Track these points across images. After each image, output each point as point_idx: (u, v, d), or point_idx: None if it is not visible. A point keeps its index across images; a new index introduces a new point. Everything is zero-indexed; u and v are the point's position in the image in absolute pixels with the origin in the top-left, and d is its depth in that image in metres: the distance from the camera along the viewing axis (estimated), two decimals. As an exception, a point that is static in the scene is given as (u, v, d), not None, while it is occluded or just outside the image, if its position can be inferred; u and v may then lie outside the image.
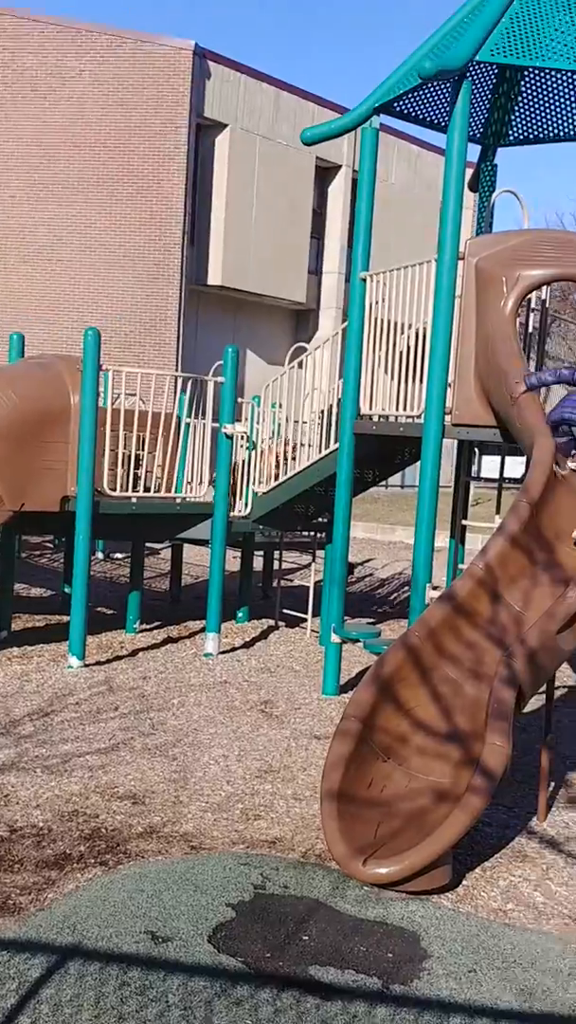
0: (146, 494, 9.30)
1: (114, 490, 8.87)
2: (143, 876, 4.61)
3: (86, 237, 22.89)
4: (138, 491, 9.20)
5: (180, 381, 10.24)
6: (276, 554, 12.23)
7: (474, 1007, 3.72)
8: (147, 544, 12.24)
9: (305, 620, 10.56)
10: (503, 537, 5.58)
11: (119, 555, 14.76)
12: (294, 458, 9.85)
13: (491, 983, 3.90)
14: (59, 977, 3.70)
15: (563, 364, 7.56)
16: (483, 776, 4.57)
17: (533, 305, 7.94)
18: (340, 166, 27.55)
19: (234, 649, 9.59)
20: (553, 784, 6.20)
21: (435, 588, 6.96)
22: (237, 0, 76.35)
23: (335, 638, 8.12)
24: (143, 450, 9.31)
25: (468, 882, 4.84)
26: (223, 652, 9.38)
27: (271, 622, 10.86)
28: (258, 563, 12.77)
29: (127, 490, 9.03)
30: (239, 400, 9.85)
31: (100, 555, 14.69)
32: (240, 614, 10.86)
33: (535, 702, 6.85)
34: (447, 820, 4.52)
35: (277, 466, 9.92)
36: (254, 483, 9.95)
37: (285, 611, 10.85)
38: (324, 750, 6.28)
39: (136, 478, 9.23)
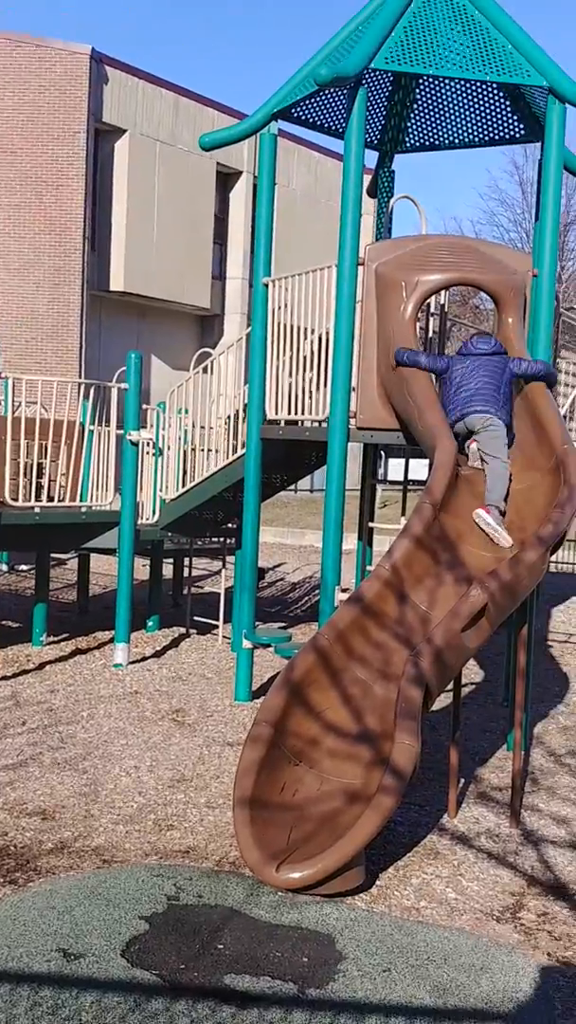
0: (50, 503, 9.15)
1: (16, 500, 8.71)
2: (54, 893, 4.53)
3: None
4: (41, 500, 9.05)
5: (83, 388, 10.10)
6: (186, 561, 12.17)
7: (389, 1006, 3.74)
8: (53, 554, 12.05)
9: (216, 626, 10.53)
10: (408, 538, 5.64)
11: (24, 567, 14.50)
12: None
13: (406, 981, 3.93)
14: (-33, 1001, 3.60)
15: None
16: (393, 775, 4.60)
17: (432, 309, 8.06)
18: (241, 172, 27.60)
19: (144, 659, 9.50)
20: (463, 780, 6.29)
21: (344, 590, 7.00)
22: (135, 4, 75.90)
23: (246, 644, 8.11)
24: (46, 459, 9.17)
25: (381, 882, 4.88)
26: (133, 662, 9.29)
27: (182, 630, 10.79)
28: (168, 570, 12.69)
29: (30, 500, 8.88)
30: (144, 406, 9.77)
31: (4, 567, 14.41)
32: (150, 623, 10.77)
33: (443, 700, 6.95)
34: (359, 821, 4.54)
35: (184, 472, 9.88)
36: (161, 490, 9.88)
37: (196, 618, 10.79)
38: (237, 757, 6.25)
39: (39, 487, 9.08)
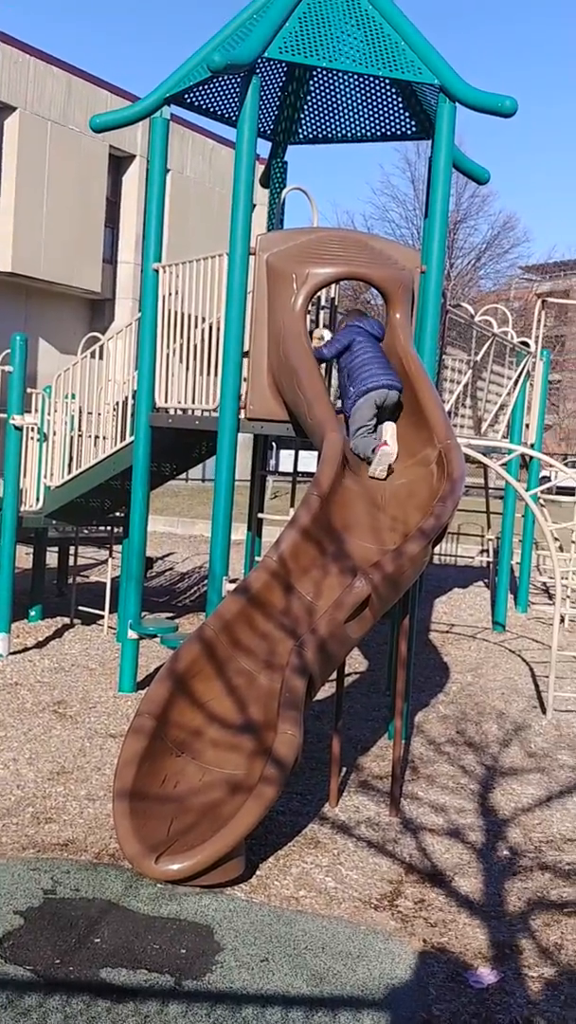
0: None
1: None
2: None
3: None
4: None
5: (-34, 371, 9.81)
6: (71, 550, 11.97)
7: (266, 996, 3.75)
8: None
9: (102, 617, 10.39)
10: (295, 530, 5.66)
11: None
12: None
13: (283, 971, 3.95)
14: None
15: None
16: (275, 765, 4.62)
17: (323, 303, 8.09)
18: (135, 155, 27.28)
19: (26, 649, 9.31)
20: (345, 769, 6.36)
21: (232, 581, 6.99)
22: (28, -21, 74.04)
23: (132, 634, 8.02)
24: None
25: (261, 872, 4.89)
26: (14, 652, 9.09)
27: (66, 620, 10.61)
28: (52, 559, 12.46)
29: None
30: (30, 390, 9.55)
31: None
32: (33, 613, 10.56)
33: (328, 689, 7.01)
34: (240, 811, 4.54)
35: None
36: (46, 476, 9.69)
37: (81, 608, 10.63)
38: (120, 748, 6.18)
39: None
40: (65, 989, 3.71)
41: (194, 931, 4.21)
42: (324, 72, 8.46)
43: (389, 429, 6.38)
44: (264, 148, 9.13)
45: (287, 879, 4.84)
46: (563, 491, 27.48)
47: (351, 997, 3.80)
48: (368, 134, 8.80)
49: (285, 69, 8.51)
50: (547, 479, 20.37)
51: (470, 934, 4.41)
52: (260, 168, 8.75)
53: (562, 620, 11.83)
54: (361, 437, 6.48)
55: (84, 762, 6.31)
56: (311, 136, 9.09)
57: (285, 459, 25.46)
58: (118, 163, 27.40)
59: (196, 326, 7.60)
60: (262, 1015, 3.62)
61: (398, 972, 4.01)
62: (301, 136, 9.11)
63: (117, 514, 10.46)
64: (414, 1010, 3.76)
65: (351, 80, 8.40)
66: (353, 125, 8.79)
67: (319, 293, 7.44)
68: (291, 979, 3.89)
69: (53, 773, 6.08)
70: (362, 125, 8.76)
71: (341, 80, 8.45)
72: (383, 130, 8.71)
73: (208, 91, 8.24)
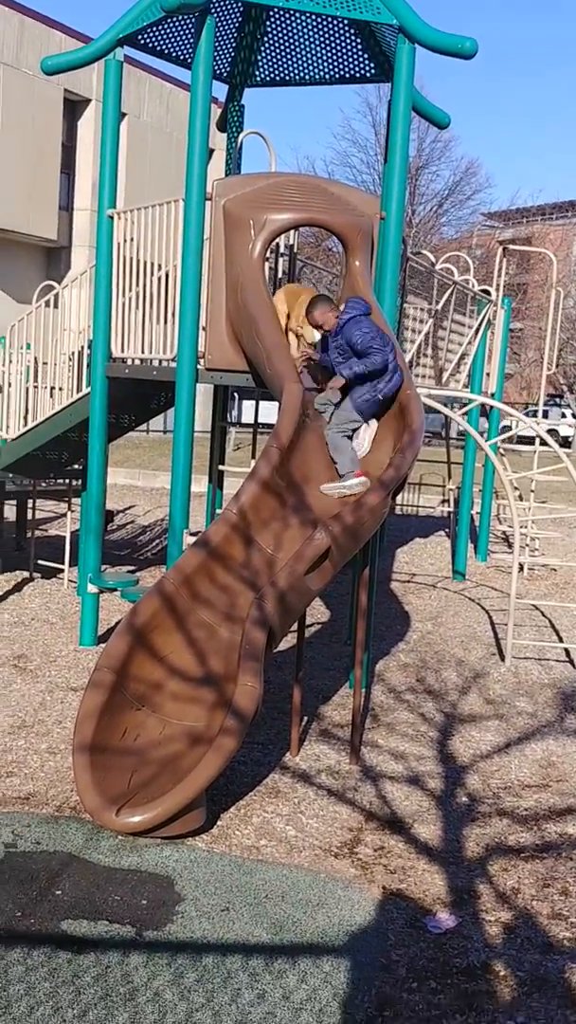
0: None
1: None
2: None
3: None
4: None
5: None
6: (30, 503, 11.84)
7: (226, 945, 3.78)
8: None
9: (62, 571, 10.32)
10: (255, 482, 5.62)
11: None
12: None
13: (244, 920, 3.98)
14: None
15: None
16: (235, 717, 4.61)
17: (282, 250, 7.98)
18: (90, 100, 26.64)
19: (-14, 602, 9.23)
20: (306, 719, 6.39)
21: (193, 534, 6.94)
22: None
23: (92, 588, 7.97)
24: None
25: (222, 822, 4.91)
26: (-26, 606, 9.01)
27: (26, 574, 10.53)
28: (10, 513, 12.33)
29: None
30: (-16, 342, 9.37)
31: None
32: (-8, 566, 10.46)
33: (289, 640, 7.02)
34: (200, 763, 4.54)
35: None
36: (2, 429, 9.54)
37: (40, 562, 10.54)
38: (80, 702, 6.16)
39: None
40: (26, 941, 3.71)
41: (155, 882, 4.23)
42: (281, 12, 8.25)
43: (369, 436, 6.09)
44: (220, 91, 8.93)
45: (248, 829, 4.86)
46: (523, 440, 27.63)
47: (311, 944, 3.84)
48: (327, 76, 8.63)
49: (241, 9, 8.30)
50: (508, 428, 20.44)
51: (429, 880, 4.47)
52: (217, 112, 8.57)
53: (521, 568, 11.94)
54: (342, 436, 6.04)
55: (45, 716, 6.29)
56: (268, 78, 8.90)
57: (247, 410, 25.29)
58: (73, 107, 26.77)
59: (152, 274, 7.47)
60: (222, 963, 3.65)
61: (357, 919, 4.06)
62: (258, 78, 8.92)
63: (76, 467, 10.35)
64: (373, 956, 3.81)
65: (309, 20, 8.21)
66: (311, 67, 8.62)
67: (278, 240, 7.33)
68: (251, 928, 3.92)
69: (13, 727, 6.05)
70: (320, 67, 8.58)
71: (298, 20, 8.26)
72: (342, 72, 8.55)
73: (162, 32, 8.02)
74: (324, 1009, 3.44)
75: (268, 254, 7.00)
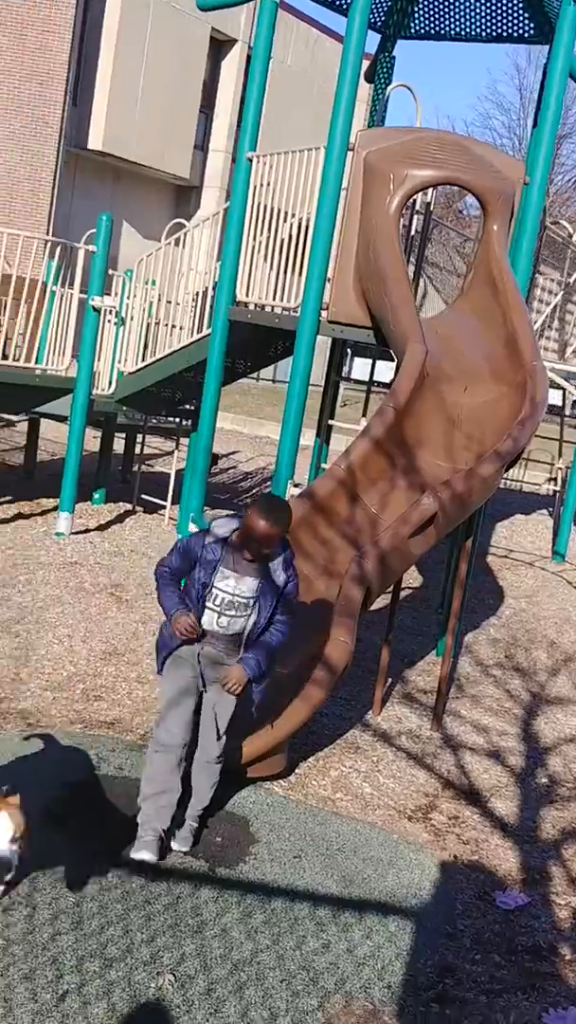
0: (4, 362, 8.90)
1: (-29, 355, 8.46)
2: (-25, 751, 4.53)
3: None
4: (-3, 359, 8.79)
5: (49, 246, 9.74)
6: (139, 438, 12.00)
7: (296, 891, 3.83)
8: (2, 415, 11.82)
9: (164, 507, 10.45)
10: (367, 440, 5.58)
11: (-26, 425, 14.22)
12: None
13: (314, 869, 4.02)
14: None
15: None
16: (325, 669, 4.63)
17: (417, 207, 7.84)
18: (236, 40, 26.44)
19: (87, 531, 9.42)
20: (390, 680, 6.38)
21: (296, 485, 6.96)
22: None
23: (192, 527, 8.06)
24: (4, 315, 8.88)
25: (301, 771, 4.96)
26: (76, 533, 9.20)
27: (128, 506, 10.69)
28: (119, 445, 12.52)
29: (-15, 357, 8.63)
30: (110, 272, 9.46)
31: (-46, 423, 14.12)
32: (96, 496, 10.65)
33: (381, 601, 7.00)
34: (288, 710, 4.57)
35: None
36: (120, 361, 9.66)
37: (144, 496, 10.70)
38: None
39: (-5, 345, 8.82)
40: (102, 863, 3.82)
41: (231, 821, 4.29)
42: (444, -39, 8.04)
43: None
44: (372, 43, 8.77)
45: (325, 780, 4.90)
46: None
47: (378, 902, 3.86)
48: (483, 33, 8.40)
49: (404, -45, 8.11)
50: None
51: (501, 855, 4.44)
52: (366, 63, 8.41)
53: (624, 557, 11.65)
54: None
55: (136, 645, 6.42)
56: (423, 31, 8.71)
57: (359, 368, 25.10)
58: (218, 47, 26.61)
59: (284, 221, 7.42)
60: (290, 909, 3.70)
61: (427, 884, 4.07)
62: (413, 30, 8.73)
63: (187, 406, 10.43)
64: (439, 922, 3.81)
65: (472, -28, 7.98)
66: (468, 22, 8.39)
67: (415, 197, 7.19)
68: (321, 878, 3.96)
69: (105, 653, 6.19)
70: (478, 23, 8.35)
71: (461, -29, 8.04)
72: (499, 30, 8.30)
73: (321, -27, 7.89)
74: (387, 968, 3.46)
75: (404, 210, 6.89)
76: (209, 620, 3.97)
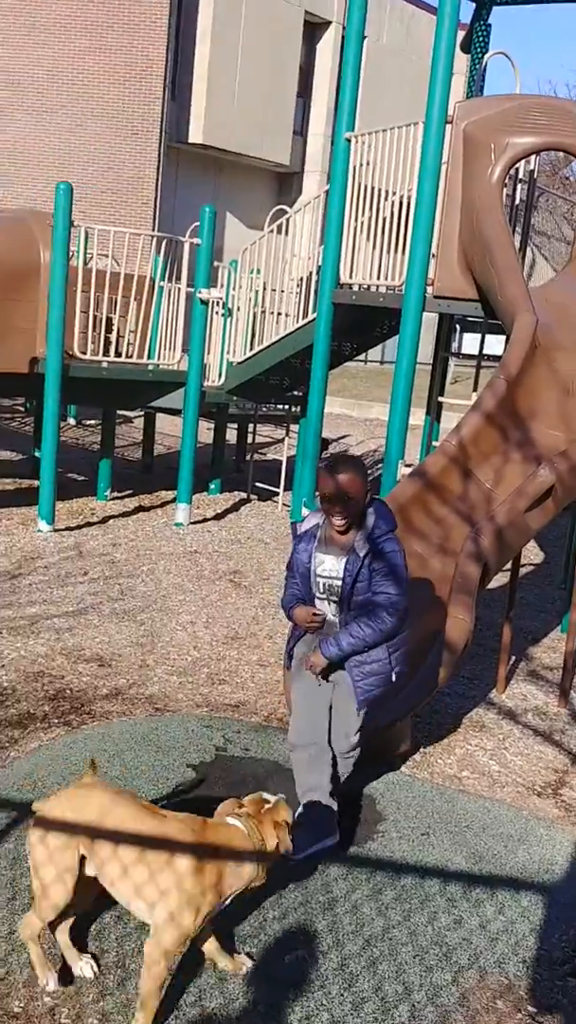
0: (118, 359, 9.11)
1: (84, 353, 8.68)
2: (106, 736, 4.67)
3: (65, 87, 21.85)
4: (109, 356, 9.01)
5: (155, 242, 9.91)
6: (250, 427, 12.13)
7: (425, 868, 3.83)
8: (119, 411, 12.09)
9: (277, 494, 10.55)
10: (478, 414, 5.51)
11: (91, 421, 14.59)
12: None
13: (443, 846, 4.01)
14: (18, 832, 3.77)
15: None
16: (446, 649, 4.60)
17: (521, 176, 7.68)
18: (330, 22, 26.29)
19: (205, 520, 9.58)
20: (513, 658, 6.31)
21: (408, 465, 6.92)
22: None
23: (306, 512, 8.11)
24: (115, 313, 9.08)
25: (426, 749, 4.95)
26: (194, 523, 9.37)
27: (243, 495, 10.83)
28: (232, 435, 12.67)
29: (98, 354, 8.84)
30: (216, 264, 9.57)
31: (71, 421, 14.52)
32: (212, 486, 10.82)
33: (500, 578, 6.91)
34: (410, 690, 4.57)
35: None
36: (229, 352, 9.77)
37: (257, 484, 10.82)
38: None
39: (108, 342, 9.03)
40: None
41: (357, 799, 4.32)
42: None
43: None
44: (467, 12, 8.62)
45: (451, 759, 4.88)
46: None
47: (510, 878, 3.83)
48: (582, -10, 8.15)
49: None
50: None
51: None
52: (461, 35, 8.27)
53: None
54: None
55: (256, 629, 6.50)
56: (519, -7, 8.51)
57: (469, 343, 24.74)
58: (312, 30, 26.51)
59: (386, 199, 7.37)
60: (421, 886, 3.71)
61: (559, 859, 4.01)
62: (509, -6, 8.54)
63: (295, 393, 10.49)
64: (573, 896, 3.76)
65: None
66: (566, -20, 8.15)
67: (517, 165, 7.06)
68: (450, 855, 3.95)
69: (227, 638, 6.29)
70: (577, -20, 8.11)
71: None
72: (599, -15, 8.04)
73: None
74: (521, 943, 3.44)
75: (507, 180, 6.76)
76: (322, 609, 3.95)
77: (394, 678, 3.89)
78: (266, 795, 3.16)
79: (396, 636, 3.86)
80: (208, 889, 2.85)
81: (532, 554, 9.30)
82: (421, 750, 4.92)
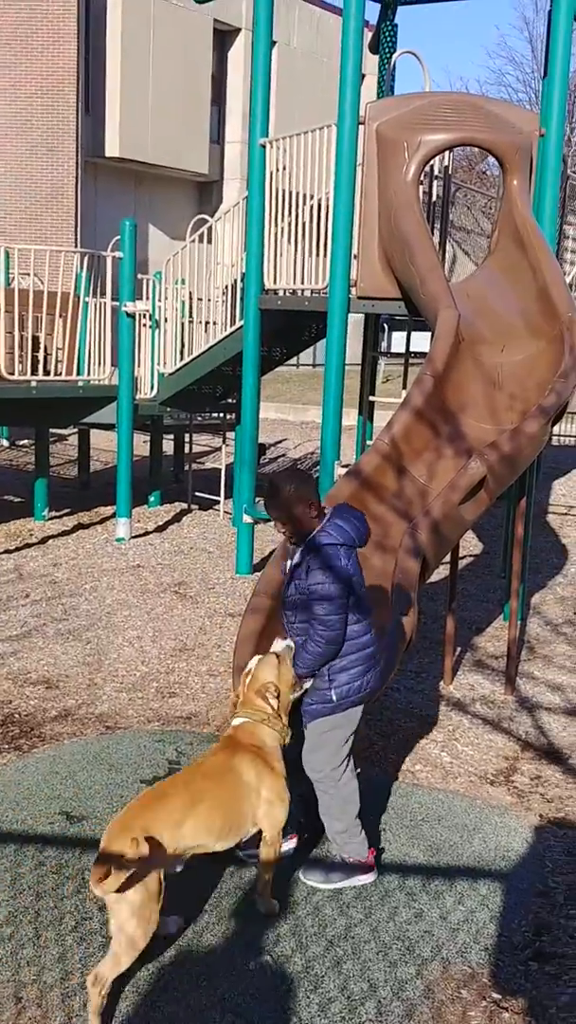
0: (47, 377, 9.04)
1: (12, 374, 8.60)
2: (57, 758, 4.64)
3: (-26, 107, 21.61)
4: (38, 374, 8.93)
5: (77, 258, 9.85)
6: (186, 437, 12.10)
7: (384, 864, 3.86)
8: (52, 430, 11.99)
9: (218, 502, 10.54)
10: (408, 411, 5.56)
11: (24, 441, 14.45)
12: None
13: (400, 841, 4.05)
14: (-25, 860, 3.72)
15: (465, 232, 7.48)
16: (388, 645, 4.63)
17: (436, 172, 7.77)
18: (239, 29, 26.37)
19: (147, 533, 9.54)
20: (459, 649, 6.37)
21: (344, 466, 6.96)
22: None
23: (247, 519, 8.12)
24: (42, 331, 9.01)
25: (377, 746, 4.98)
26: (135, 536, 9.33)
27: (183, 505, 10.81)
28: (168, 447, 12.63)
29: (27, 373, 8.76)
30: (140, 277, 9.54)
31: (4, 442, 14.37)
32: (151, 499, 10.78)
33: (441, 571, 6.98)
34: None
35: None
36: (159, 363, 9.74)
37: (197, 494, 10.80)
38: (238, 627, 6.32)
39: (36, 361, 8.95)
40: (191, 852, 3.87)
41: (311, 800, 4.32)
42: None
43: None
44: (373, 13, 8.70)
45: (403, 753, 4.92)
46: None
47: (468, 868, 3.87)
48: (484, -12, 8.27)
49: None
50: None
51: (587, 810, 4.43)
52: (368, 35, 8.35)
53: None
54: None
55: (204, 640, 6.49)
56: (423, -6, 8.61)
57: (397, 341, 24.92)
58: (223, 38, 26.56)
59: (304, 203, 7.41)
60: (380, 881, 3.73)
61: (514, 845, 4.07)
62: (412, -6, 8.64)
63: (229, 400, 10.49)
64: (530, 881, 3.82)
65: None
66: (467, -22, 8.27)
67: (432, 162, 7.14)
68: (408, 848, 3.99)
69: (175, 650, 6.27)
70: (477, -22, 8.23)
71: None
72: (500, -18, 8.17)
73: (313, -50, 7.84)
74: (481, 931, 3.48)
75: (422, 177, 6.83)
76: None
77: (333, 697, 3.63)
78: (250, 663, 3.64)
79: (338, 645, 3.62)
80: (270, 770, 3.45)
81: (471, 545, 9.41)
82: (373, 746, 4.95)
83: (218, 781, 3.35)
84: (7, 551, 8.57)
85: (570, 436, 15.58)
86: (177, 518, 10.29)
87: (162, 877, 3.06)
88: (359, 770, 3.85)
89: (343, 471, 6.73)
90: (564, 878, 3.86)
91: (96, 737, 4.94)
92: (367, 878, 3.69)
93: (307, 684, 3.67)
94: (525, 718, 5.45)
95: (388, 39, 8.83)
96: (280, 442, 16.44)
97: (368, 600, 3.83)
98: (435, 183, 7.84)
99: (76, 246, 21.46)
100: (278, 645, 3.67)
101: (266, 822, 3.44)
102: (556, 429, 13.12)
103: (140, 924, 2.96)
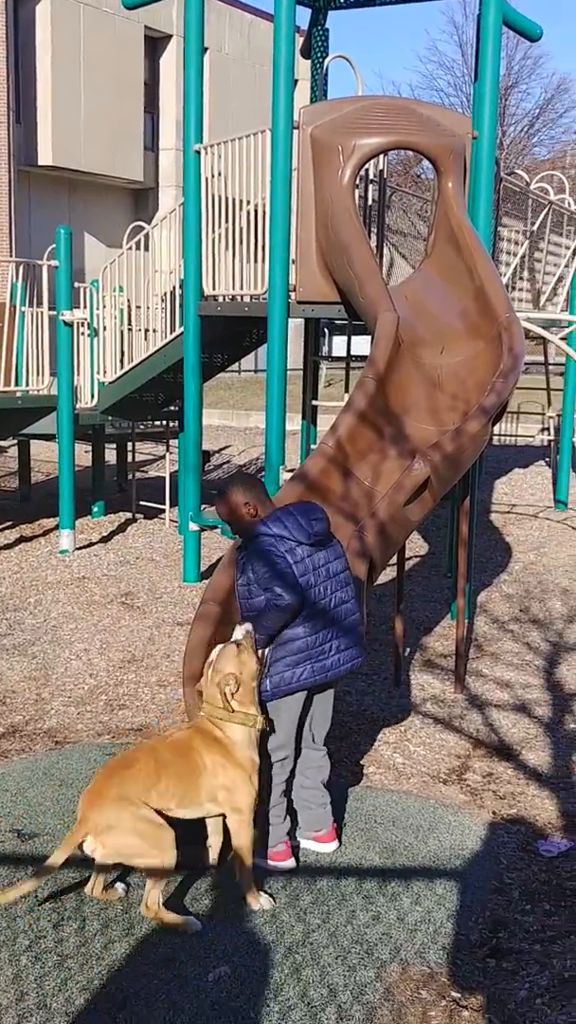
0: (-15, 389, 8.91)
1: (-50, 387, 8.47)
2: (6, 776, 4.56)
3: None
4: (-24, 387, 8.80)
5: (12, 267, 9.74)
6: (129, 446, 12.02)
7: (340, 868, 3.85)
8: (-7, 442, 11.83)
9: (163, 511, 10.47)
10: (351, 414, 5.56)
11: (-35, 455, 14.25)
12: None
13: (355, 844, 4.04)
14: None
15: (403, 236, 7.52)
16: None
17: (372, 176, 7.81)
18: (171, 36, 26.33)
19: (91, 544, 9.45)
20: (408, 649, 6.40)
21: (289, 470, 6.95)
22: None
23: (193, 526, 8.08)
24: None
25: (328, 748, 4.96)
26: (80, 548, 9.23)
27: (128, 515, 10.72)
28: (111, 456, 12.53)
29: (-35, 386, 8.63)
30: (78, 285, 9.46)
31: (-55, 456, 14.14)
32: (95, 509, 10.68)
33: (388, 572, 7.01)
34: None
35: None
36: (99, 372, 9.66)
37: (142, 503, 10.72)
38: (187, 635, 6.28)
39: (-27, 373, 8.82)
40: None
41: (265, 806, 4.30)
42: None
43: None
44: (303, 18, 8.73)
45: (355, 756, 4.92)
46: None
47: (423, 868, 3.88)
48: (413, -7, 8.35)
49: None
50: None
51: (539, 805, 4.46)
52: (300, 40, 8.38)
53: (626, 496, 11.65)
54: None
55: (153, 650, 6.44)
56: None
57: (338, 345, 25.05)
58: (154, 45, 26.50)
59: (241, 209, 7.40)
60: (337, 886, 3.72)
61: (469, 843, 4.08)
62: (342, 0, 8.68)
63: (172, 408, 10.44)
64: (486, 879, 3.83)
65: None
66: (396, -16, 8.34)
67: (367, 165, 7.17)
68: (363, 851, 3.98)
69: (124, 662, 6.21)
70: (406, -17, 8.30)
71: None
72: (428, -13, 8.25)
73: (242, -44, 7.84)
74: (439, 930, 3.48)
75: (358, 181, 6.86)
76: None
77: (268, 686, 3.80)
78: (212, 654, 3.82)
79: (293, 613, 3.77)
80: (231, 761, 3.63)
81: (417, 546, 9.46)
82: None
83: (179, 755, 3.63)
84: (-51, 566, 8.43)
85: (509, 436, 15.75)
86: (122, 528, 10.21)
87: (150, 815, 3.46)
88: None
89: (288, 475, 6.73)
90: (518, 874, 3.88)
91: (45, 752, 4.87)
92: (274, 865, 3.84)
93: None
94: (475, 716, 5.48)
95: (320, 44, 8.86)
96: (224, 448, 16.40)
97: (308, 595, 3.86)
98: (371, 187, 7.88)
99: (11, 255, 21.24)
100: (238, 632, 3.77)
101: (227, 807, 3.64)
102: (497, 429, 13.28)
103: (154, 850, 3.41)
